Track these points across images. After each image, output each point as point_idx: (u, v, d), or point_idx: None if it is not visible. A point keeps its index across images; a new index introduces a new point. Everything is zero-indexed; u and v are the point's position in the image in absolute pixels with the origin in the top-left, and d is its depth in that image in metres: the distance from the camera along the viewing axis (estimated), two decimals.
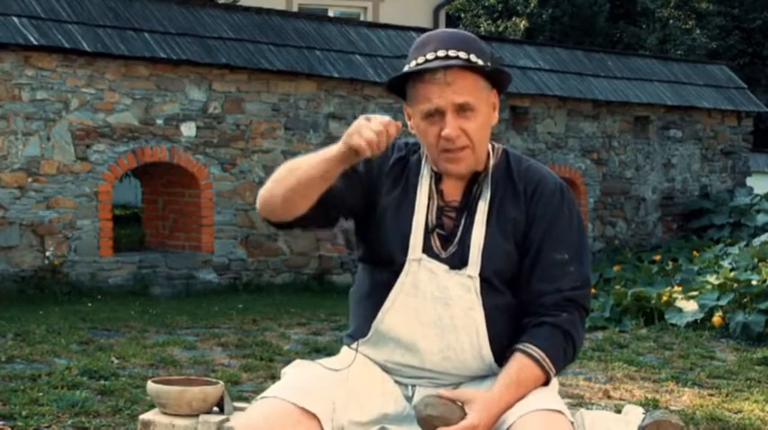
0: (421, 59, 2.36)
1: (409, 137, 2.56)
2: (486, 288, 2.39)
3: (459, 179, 2.46)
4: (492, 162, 2.47)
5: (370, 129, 2.20)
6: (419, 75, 2.36)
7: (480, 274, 2.39)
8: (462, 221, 2.43)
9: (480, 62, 2.37)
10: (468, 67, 2.35)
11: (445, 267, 2.40)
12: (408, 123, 2.46)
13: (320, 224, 2.48)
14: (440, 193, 2.46)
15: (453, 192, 2.46)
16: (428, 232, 2.42)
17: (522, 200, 2.44)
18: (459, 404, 2.28)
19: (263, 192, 2.40)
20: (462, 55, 2.34)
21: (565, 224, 2.44)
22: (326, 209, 2.40)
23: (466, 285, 2.39)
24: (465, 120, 2.36)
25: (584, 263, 2.45)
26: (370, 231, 2.47)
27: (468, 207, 2.44)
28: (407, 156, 2.51)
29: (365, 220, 2.49)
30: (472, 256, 2.39)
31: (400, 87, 2.45)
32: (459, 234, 2.42)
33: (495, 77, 2.42)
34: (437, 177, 2.46)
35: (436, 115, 2.36)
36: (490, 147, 2.48)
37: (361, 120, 2.24)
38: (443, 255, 2.41)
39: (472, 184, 2.45)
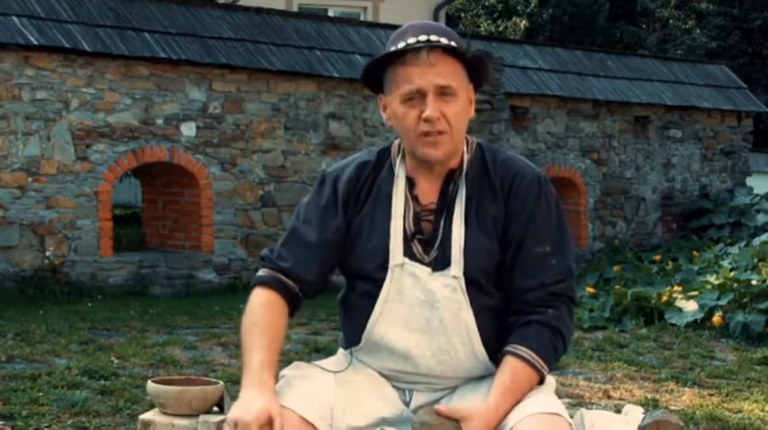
0: (401, 44, 2.34)
1: (363, 153, 2.54)
2: (473, 289, 2.37)
3: (435, 178, 2.43)
4: (466, 158, 2.44)
5: None
6: (400, 58, 2.34)
7: (465, 274, 2.36)
8: (441, 223, 2.40)
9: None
10: (451, 51, 2.34)
11: (428, 270, 2.37)
12: (383, 116, 2.44)
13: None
14: (414, 199, 2.43)
15: (429, 194, 2.43)
16: (408, 240, 2.40)
17: (499, 196, 2.40)
18: (456, 422, 2.24)
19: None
20: (444, 40, 2.33)
21: (544, 216, 2.40)
22: (331, 268, 2.53)
23: (451, 286, 2.36)
24: (445, 104, 2.33)
25: (567, 254, 2.41)
26: (346, 248, 2.46)
27: (445, 208, 2.41)
28: (375, 166, 2.48)
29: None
30: (454, 256, 2.36)
31: (375, 81, 2.43)
32: (439, 236, 2.39)
33: (474, 69, 2.40)
34: (410, 183, 2.44)
35: (416, 97, 2.33)
36: (465, 141, 2.46)
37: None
38: (426, 259, 2.39)
39: (447, 184, 2.43)
